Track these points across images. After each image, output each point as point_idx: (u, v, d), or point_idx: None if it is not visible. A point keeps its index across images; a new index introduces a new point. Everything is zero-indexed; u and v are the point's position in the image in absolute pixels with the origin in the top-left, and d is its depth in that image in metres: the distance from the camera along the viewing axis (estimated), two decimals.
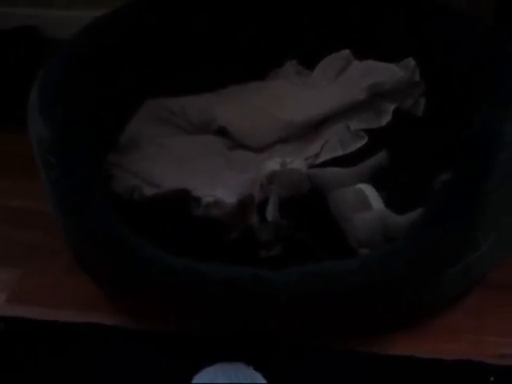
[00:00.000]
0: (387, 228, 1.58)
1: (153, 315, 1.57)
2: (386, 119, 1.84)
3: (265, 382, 1.49)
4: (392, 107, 1.85)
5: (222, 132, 1.90)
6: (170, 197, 1.70)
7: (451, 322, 1.57)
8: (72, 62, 1.78)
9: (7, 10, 2.10)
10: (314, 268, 1.50)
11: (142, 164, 1.82)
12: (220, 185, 1.76)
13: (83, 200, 1.60)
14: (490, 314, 1.59)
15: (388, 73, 1.87)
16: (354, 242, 1.60)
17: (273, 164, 1.74)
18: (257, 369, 1.50)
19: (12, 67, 2.02)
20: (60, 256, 1.71)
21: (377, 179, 1.69)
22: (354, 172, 1.71)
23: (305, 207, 1.66)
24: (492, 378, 1.48)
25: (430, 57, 1.87)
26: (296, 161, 1.75)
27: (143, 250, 1.53)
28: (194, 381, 1.49)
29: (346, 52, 1.95)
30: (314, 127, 1.88)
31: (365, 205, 1.63)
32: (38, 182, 1.69)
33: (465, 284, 1.58)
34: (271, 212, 1.63)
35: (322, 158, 1.80)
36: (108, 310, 1.61)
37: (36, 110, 1.66)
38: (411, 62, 1.87)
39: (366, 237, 1.59)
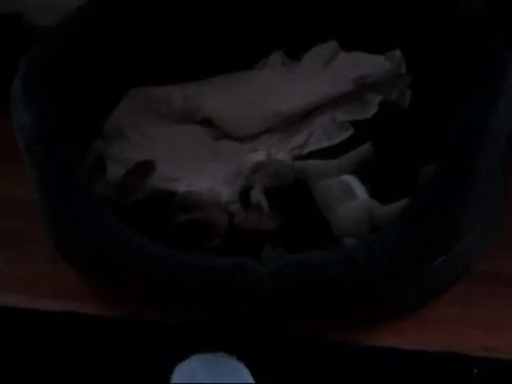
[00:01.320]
0: (372, 218, 1.58)
1: (135, 304, 1.56)
2: (371, 111, 1.84)
3: (248, 372, 1.48)
4: (378, 99, 1.85)
5: (207, 122, 1.89)
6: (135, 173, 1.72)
7: (435, 314, 1.56)
8: (55, 50, 1.76)
9: None
10: (298, 258, 1.49)
11: (127, 153, 1.81)
12: (207, 175, 1.75)
13: (68, 188, 1.59)
14: (475, 306, 1.58)
15: (375, 64, 1.87)
16: (339, 232, 1.59)
17: (258, 155, 1.73)
18: (240, 359, 1.49)
19: None
20: (40, 245, 1.69)
21: (361, 171, 1.69)
22: (339, 164, 1.71)
23: (290, 198, 1.65)
24: (475, 371, 1.47)
25: (417, 48, 1.87)
26: (280, 153, 1.75)
27: (128, 238, 1.52)
28: (175, 371, 1.48)
29: (333, 43, 1.94)
30: (300, 118, 1.88)
31: (349, 195, 1.63)
32: (18, 169, 1.68)
33: (450, 275, 1.57)
34: (256, 196, 1.63)
35: (307, 149, 1.80)
36: (89, 298, 1.60)
37: (19, 98, 1.64)
38: (397, 53, 1.87)
39: (350, 227, 1.58)
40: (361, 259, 1.45)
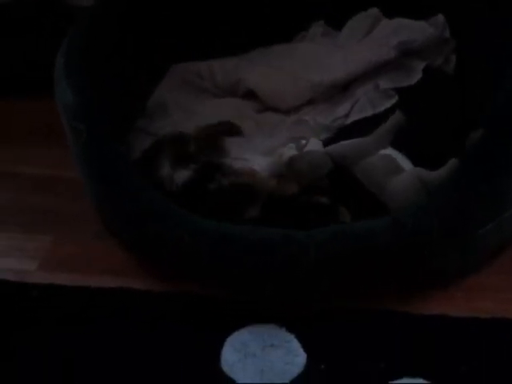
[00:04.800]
0: (425, 185, 1.55)
1: (183, 278, 1.57)
2: (416, 77, 1.81)
3: (298, 343, 1.49)
4: (422, 65, 1.82)
5: (250, 95, 1.88)
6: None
7: (484, 281, 1.56)
8: (97, 28, 1.77)
9: None
10: (346, 227, 1.49)
11: (171, 129, 1.81)
12: (251, 148, 1.75)
13: (112, 165, 1.60)
14: None
15: (417, 30, 1.84)
16: (395, 209, 1.55)
17: (289, 150, 1.70)
18: (290, 330, 1.50)
19: (36, 35, 2.01)
20: (88, 222, 1.71)
21: (399, 140, 1.66)
22: (374, 139, 1.67)
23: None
24: None
25: (461, 13, 1.84)
26: (311, 140, 1.72)
27: (173, 213, 1.53)
28: (226, 343, 1.49)
29: (375, 10, 1.91)
30: (343, 88, 1.86)
31: (396, 168, 1.60)
32: (59, 149, 1.70)
33: (498, 242, 1.56)
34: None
35: (351, 118, 1.78)
36: (138, 274, 1.61)
37: (62, 77, 1.66)
38: (440, 18, 1.84)
39: (406, 199, 1.55)
40: (409, 226, 1.44)
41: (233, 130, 1.75)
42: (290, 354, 1.48)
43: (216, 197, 1.60)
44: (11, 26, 2.00)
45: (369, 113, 1.78)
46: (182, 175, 1.64)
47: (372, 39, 1.89)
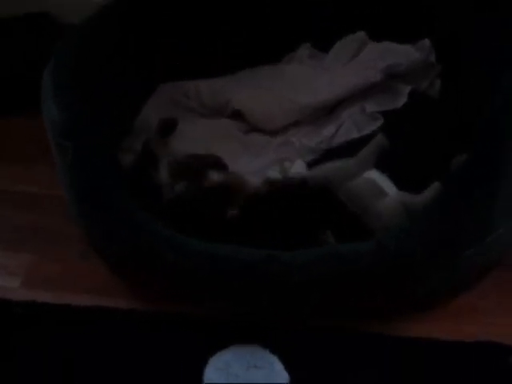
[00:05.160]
0: (408, 209, 1.56)
1: (167, 298, 1.57)
2: (401, 101, 1.82)
3: (281, 365, 1.48)
4: (408, 89, 1.83)
5: (237, 115, 1.89)
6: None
7: (469, 304, 1.56)
8: (84, 46, 1.77)
9: None
10: (329, 249, 1.49)
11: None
12: (238, 169, 1.75)
13: (98, 184, 1.59)
14: (509, 295, 1.57)
15: (404, 54, 1.86)
16: (379, 231, 1.56)
17: (272, 173, 1.71)
18: (273, 351, 1.49)
19: (24, 53, 2.02)
20: (73, 240, 1.70)
21: (383, 163, 1.67)
22: (356, 162, 1.68)
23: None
24: (511, 359, 1.46)
25: (446, 38, 1.85)
26: (297, 162, 1.73)
27: (158, 232, 1.52)
28: (209, 363, 1.49)
29: (361, 34, 1.93)
30: (329, 110, 1.87)
31: (379, 192, 1.61)
32: (50, 168, 1.69)
33: (483, 265, 1.56)
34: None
35: (337, 141, 1.79)
36: (121, 293, 1.61)
37: (49, 94, 1.66)
38: (426, 42, 1.86)
39: (390, 222, 1.55)
40: (392, 248, 1.44)
41: (219, 164, 1.73)
42: (273, 375, 1.47)
43: (202, 199, 1.62)
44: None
45: (355, 135, 1.79)
46: (180, 186, 1.66)
47: (358, 62, 1.90)
